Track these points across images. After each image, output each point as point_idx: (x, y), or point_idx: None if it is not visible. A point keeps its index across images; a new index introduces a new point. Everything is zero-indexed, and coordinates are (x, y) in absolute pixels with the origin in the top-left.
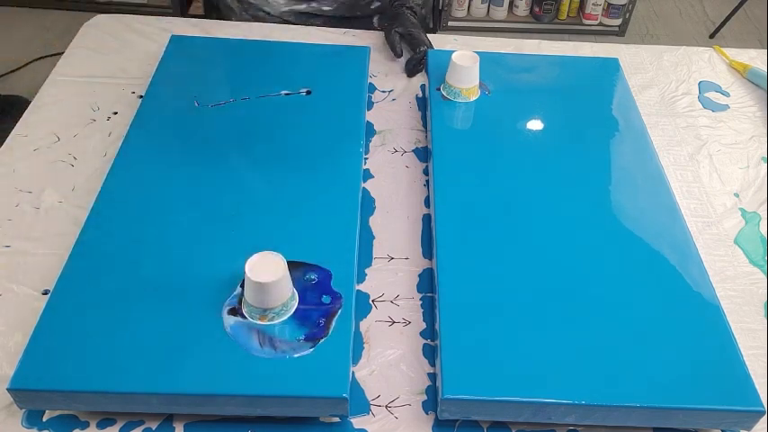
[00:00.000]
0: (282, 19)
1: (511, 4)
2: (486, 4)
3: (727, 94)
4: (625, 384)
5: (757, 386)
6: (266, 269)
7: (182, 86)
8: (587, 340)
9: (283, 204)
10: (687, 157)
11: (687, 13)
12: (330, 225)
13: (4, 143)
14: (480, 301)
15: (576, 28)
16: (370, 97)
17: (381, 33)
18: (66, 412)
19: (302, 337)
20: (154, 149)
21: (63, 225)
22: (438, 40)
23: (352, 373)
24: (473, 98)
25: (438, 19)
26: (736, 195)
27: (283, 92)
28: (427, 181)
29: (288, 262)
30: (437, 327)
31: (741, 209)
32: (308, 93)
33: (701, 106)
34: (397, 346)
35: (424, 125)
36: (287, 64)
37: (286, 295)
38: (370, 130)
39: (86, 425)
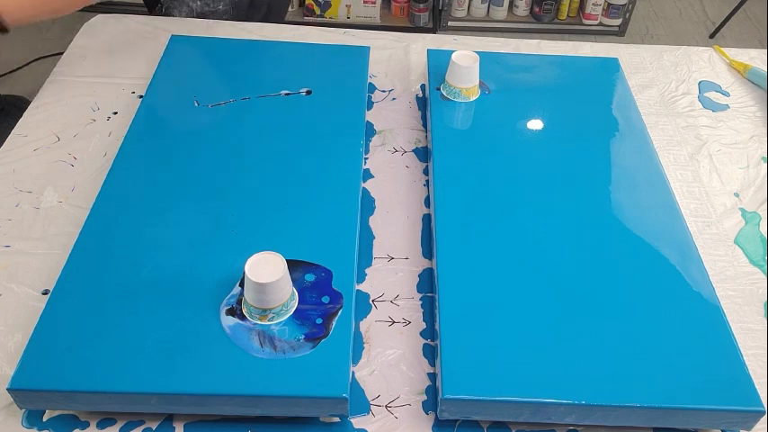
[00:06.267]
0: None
1: (511, 4)
2: (486, 4)
3: (727, 94)
4: (625, 384)
5: (757, 386)
6: (266, 269)
7: (182, 86)
8: (587, 340)
9: (283, 204)
10: (687, 157)
11: (687, 13)
12: (330, 225)
13: (4, 143)
14: (480, 301)
15: (576, 28)
16: (370, 97)
17: (381, 33)
18: (66, 412)
19: (302, 337)
20: (154, 149)
21: (63, 225)
22: (438, 40)
23: (352, 373)
24: (473, 98)
25: (438, 19)
26: (737, 195)
27: (283, 92)
28: (427, 181)
29: (288, 261)
30: (437, 327)
31: (741, 209)
32: (308, 93)
33: (701, 106)
34: (397, 346)
35: (424, 125)
36: (287, 64)
37: (286, 295)
38: (370, 130)
39: (86, 425)
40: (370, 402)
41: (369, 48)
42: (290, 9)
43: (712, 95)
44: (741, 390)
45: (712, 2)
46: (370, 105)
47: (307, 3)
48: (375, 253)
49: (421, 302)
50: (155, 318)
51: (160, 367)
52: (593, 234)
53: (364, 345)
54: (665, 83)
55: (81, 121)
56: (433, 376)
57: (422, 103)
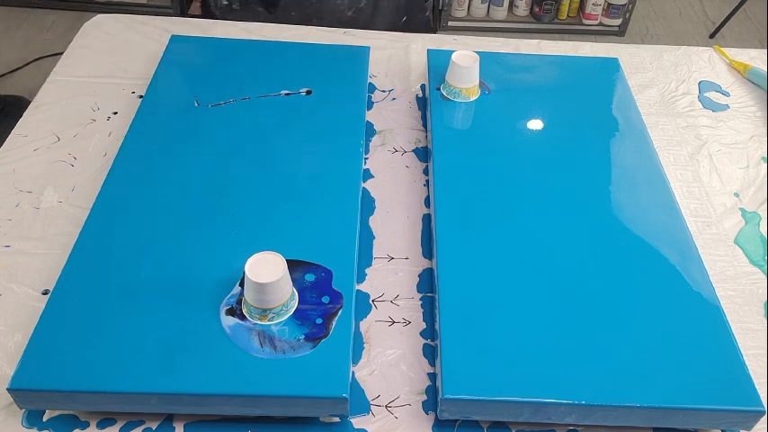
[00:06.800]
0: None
1: (511, 4)
2: (486, 4)
3: (727, 94)
4: (625, 384)
5: (757, 386)
6: (266, 269)
7: (182, 86)
8: (587, 340)
9: (283, 204)
10: (687, 157)
11: (687, 13)
12: (330, 225)
13: (4, 143)
14: (480, 301)
15: (576, 28)
16: (369, 97)
17: (381, 33)
18: (66, 412)
19: (302, 337)
20: (154, 149)
21: (63, 225)
22: (438, 40)
23: (352, 373)
24: (473, 98)
25: (438, 19)
26: (737, 195)
27: (283, 92)
28: (427, 181)
29: (288, 261)
30: (437, 327)
31: (741, 209)
32: (308, 93)
33: (701, 106)
34: (397, 346)
35: (424, 125)
36: (287, 64)
37: (286, 295)
38: (370, 130)
39: (86, 425)
40: (370, 402)
41: (369, 48)
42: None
43: (712, 95)
44: (741, 390)
45: (712, 2)
46: (370, 105)
47: None
48: (375, 253)
49: (421, 302)
50: (155, 318)
51: (160, 367)
52: (593, 234)
53: (364, 345)
54: (665, 83)
55: (81, 121)
56: (433, 376)
57: (422, 103)
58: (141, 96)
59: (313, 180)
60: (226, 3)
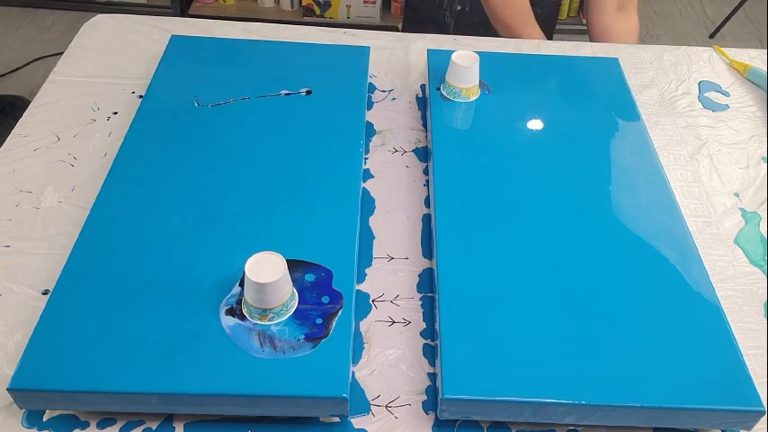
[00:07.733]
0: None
1: None
2: None
3: (727, 94)
4: (625, 384)
5: (757, 386)
6: (266, 269)
7: (182, 86)
8: (587, 340)
9: (283, 204)
10: (687, 157)
11: (687, 13)
12: (330, 225)
13: (4, 143)
14: (480, 301)
15: (576, 28)
16: (370, 97)
17: (381, 33)
18: (66, 412)
19: (302, 337)
20: (154, 149)
21: (63, 225)
22: (438, 41)
23: (352, 373)
24: (473, 98)
25: None
26: (737, 195)
27: (283, 92)
28: (427, 181)
29: (288, 261)
30: (437, 327)
31: (741, 209)
32: (308, 93)
33: (701, 106)
34: (397, 346)
35: (424, 125)
36: (287, 64)
37: (286, 295)
38: (370, 130)
39: (86, 425)
40: (370, 402)
41: (369, 48)
42: (290, 9)
43: (712, 95)
44: (741, 390)
45: (712, 2)
46: (370, 105)
47: (307, 3)
48: (375, 253)
49: (421, 302)
50: (155, 318)
51: (160, 367)
52: (593, 234)
53: (364, 345)
54: (665, 83)
55: (81, 121)
56: (433, 376)
57: (422, 103)
58: (141, 96)
59: (313, 180)
60: (460, 8)
